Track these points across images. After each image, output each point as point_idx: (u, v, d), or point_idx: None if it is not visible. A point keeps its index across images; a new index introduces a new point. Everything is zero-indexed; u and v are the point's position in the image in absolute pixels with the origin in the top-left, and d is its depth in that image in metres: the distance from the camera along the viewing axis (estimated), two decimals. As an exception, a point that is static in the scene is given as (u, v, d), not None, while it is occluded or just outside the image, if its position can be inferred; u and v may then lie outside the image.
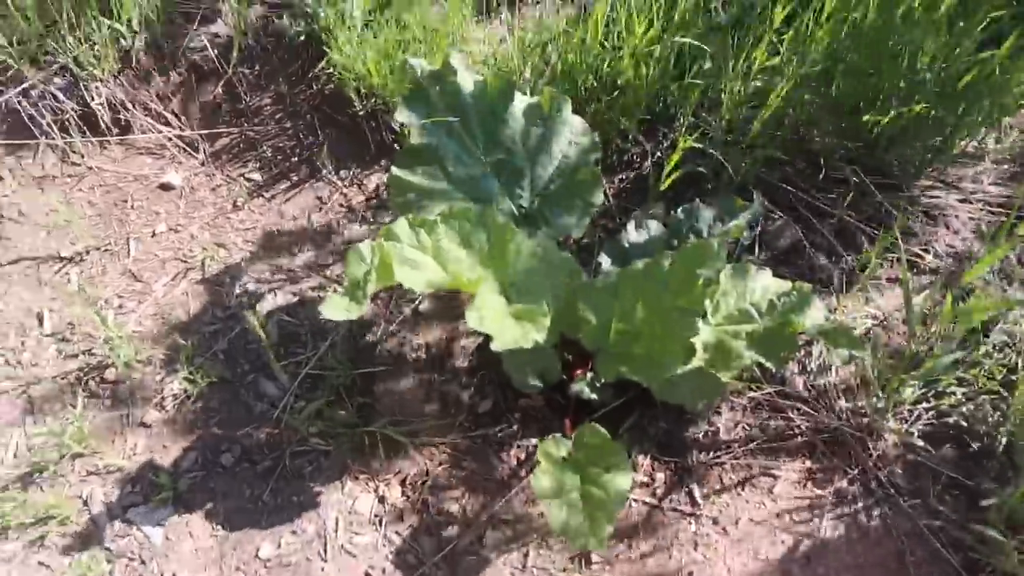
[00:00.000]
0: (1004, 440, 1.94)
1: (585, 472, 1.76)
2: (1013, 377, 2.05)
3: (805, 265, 2.32)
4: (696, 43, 2.21)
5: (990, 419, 2.01)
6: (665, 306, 1.83)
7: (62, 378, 2.18)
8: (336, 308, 1.54)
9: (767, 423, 2.06)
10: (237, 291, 2.36)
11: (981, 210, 2.40)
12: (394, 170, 1.93)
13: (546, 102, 2.01)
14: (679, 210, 2.07)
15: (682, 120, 2.34)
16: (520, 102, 2.01)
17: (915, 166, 2.41)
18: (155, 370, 2.20)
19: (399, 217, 1.71)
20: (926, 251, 2.33)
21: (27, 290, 2.32)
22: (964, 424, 2.03)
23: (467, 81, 2.01)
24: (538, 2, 2.70)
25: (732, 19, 2.21)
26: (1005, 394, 2.03)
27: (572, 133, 2.03)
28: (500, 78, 1.96)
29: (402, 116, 1.94)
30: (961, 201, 2.42)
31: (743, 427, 2.07)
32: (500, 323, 1.67)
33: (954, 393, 2.05)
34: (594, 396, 1.99)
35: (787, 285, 1.99)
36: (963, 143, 2.43)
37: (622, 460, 1.74)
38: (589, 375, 2.02)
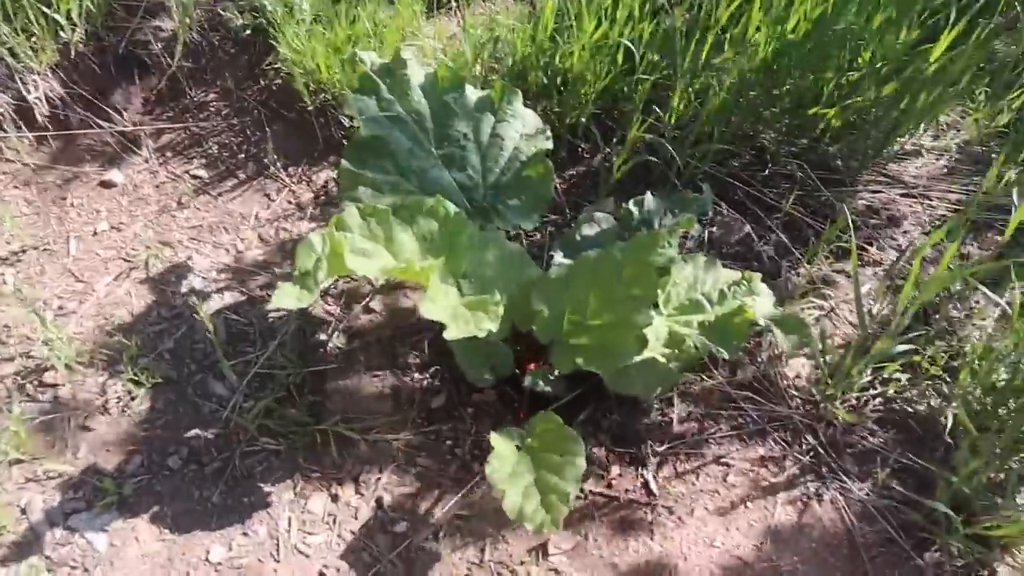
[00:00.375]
0: (948, 423, 1.99)
1: (539, 458, 1.75)
2: (955, 363, 2.11)
3: (753, 258, 2.35)
4: (643, 40, 2.24)
5: (933, 404, 2.06)
6: (618, 296, 1.85)
7: (-1, 382, 2.10)
8: (287, 297, 1.51)
9: (719, 413, 2.09)
10: (183, 290, 2.30)
11: (922, 204, 2.46)
12: (343, 163, 1.91)
13: (497, 95, 2.01)
14: (630, 203, 2.08)
15: (633, 115, 2.36)
16: (471, 95, 2.01)
17: (858, 161, 2.47)
18: (97, 372, 2.13)
19: (350, 207, 1.68)
20: (870, 243, 2.38)
21: (-40, 291, 2.23)
22: (910, 409, 2.07)
23: (417, 74, 2.00)
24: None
25: (677, 21, 2.23)
26: (949, 379, 2.08)
27: (523, 126, 2.03)
28: (451, 71, 1.95)
29: (351, 109, 1.92)
30: (903, 195, 2.48)
31: (696, 417, 2.08)
32: (453, 312, 1.66)
33: (899, 380, 2.10)
34: (548, 389, 1.99)
35: (737, 275, 2.03)
36: (903, 139, 2.50)
37: (576, 445, 1.74)
38: (542, 368, 2.01)
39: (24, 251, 2.32)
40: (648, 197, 2.08)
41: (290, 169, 2.52)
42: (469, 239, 1.82)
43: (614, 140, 2.47)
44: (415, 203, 1.77)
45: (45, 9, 2.36)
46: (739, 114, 2.35)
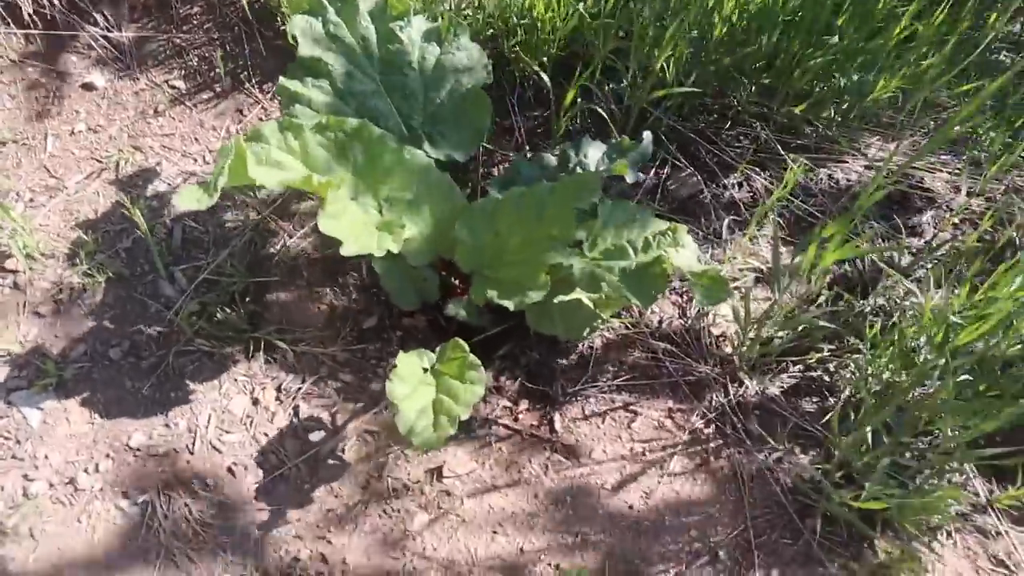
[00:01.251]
0: (853, 394, 2.00)
1: (442, 382, 1.82)
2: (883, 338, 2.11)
3: (703, 214, 2.35)
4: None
5: (852, 376, 2.07)
6: (537, 234, 1.89)
7: (-36, 261, 2.23)
8: (189, 198, 1.58)
9: (637, 362, 2.12)
10: (148, 193, 2.40)
11: (884, 176, 2.42)
12: (282, 80, 1.96)
13: (444, 27, 2.03)
14: (567, 145, 2.10)
15: (596, 60, 2.35)
16: (419, 24, 2.03)
17: (825, 128, 2.43)
18: (57, 263, 2.25)
19: (270, 120, 1.74)
20: (823, 212, 2.36)
21: (-61, 175, 2.36)
22: (826, 380, 2.08)
23: (367, 0, 2.03)
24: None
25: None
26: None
27: (468, 59, 2.05)
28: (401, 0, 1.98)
29: (295, 28, 1.96)
30: (866, 167, 2.45)
31: (613, 363, 2.13)
32: (356, 230, 1.71)
33: (821, 350, 2.10)
34: (469, 319, 2.05)
35: (665, 225, 2.03)
36: (880, 113, 2.45)
37: (477, 374, 1.80)
38: (464, 298, 2.07)
39: (4, 144, 2.44)
40: (585, 140, 2.09)
41: (264, 87, 2.58)
42: (392, 162, 1.87)
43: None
44: (338, 122, 1.81)
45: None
46: (701, 68, 2.33)
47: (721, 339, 2.14)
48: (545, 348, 2.14)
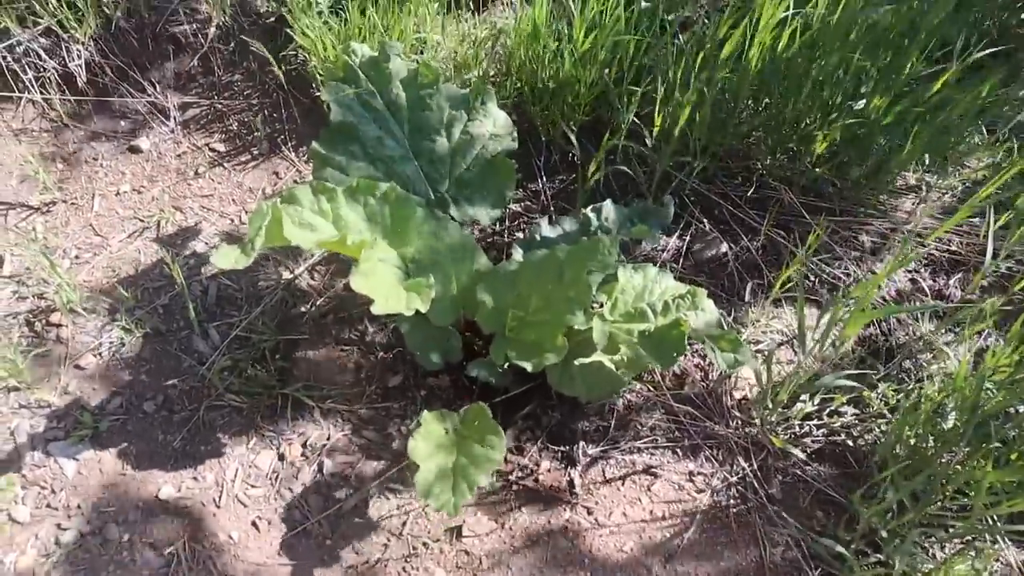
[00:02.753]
0: (879, 460, 1.97)
1: (463, 445, 1.84)
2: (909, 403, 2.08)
3: (725, 277, 2.37)
4: (634, 51, 2.29)
5: (877, 442, 2.05)
6: (557, 296, 1.92)
7: (12, 317, 2.33)
8: (225, 257, 1.65)
9: (659, 424, 2.13)
10: (187, 252, 2.49)
11: (911, 242, 2.42)
12: (315, 145, 2.05)
13: (473, 94, 2.10)
14: (589, 209, 2.14)
15: (622, 124, 2.41)
16: (448, 92, 2.11)
17: (850, 190, 2.45)
18: (97, 318, 2.34)
19: (304, 184, 1.82)
20: (848, 275, 2.36)
21: (-8, 233, 2.48)
22: (851, 444, 2.06)
23: (400, 68, 2.12)
24: (507, 3, 2.79)
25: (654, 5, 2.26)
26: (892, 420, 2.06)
27: (495, 126, 2.12)
28: (431, 68, 2.06)
29: (328, 95, 2.05)
30: (891, 230, 2.45)
31: (635, 425, 2.13)
32: (386, 290, 1.76)
33: (845, 414, 2.09)
34: (491, 379, 2.08)
35: (685, 288, 2.06)
36: (907, 173, 2.46)
37: (497, 439, 1.82)
38: (487, 359, 2.10)
39: (54, 203, 2.56)
40: (607, 204, 2.14)
41: (300, 150, 2.68)
42: (419, 224, 1.93)
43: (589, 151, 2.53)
44: (368, 185, 1.88)
45: (90, -14, 2.60)
46: (724, 131, 2.37)
47: (743, 402, 2.14)
48: (567, 409, 2.15)
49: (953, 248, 2.45)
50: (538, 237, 2.16)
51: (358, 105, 2.07)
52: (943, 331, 2.21)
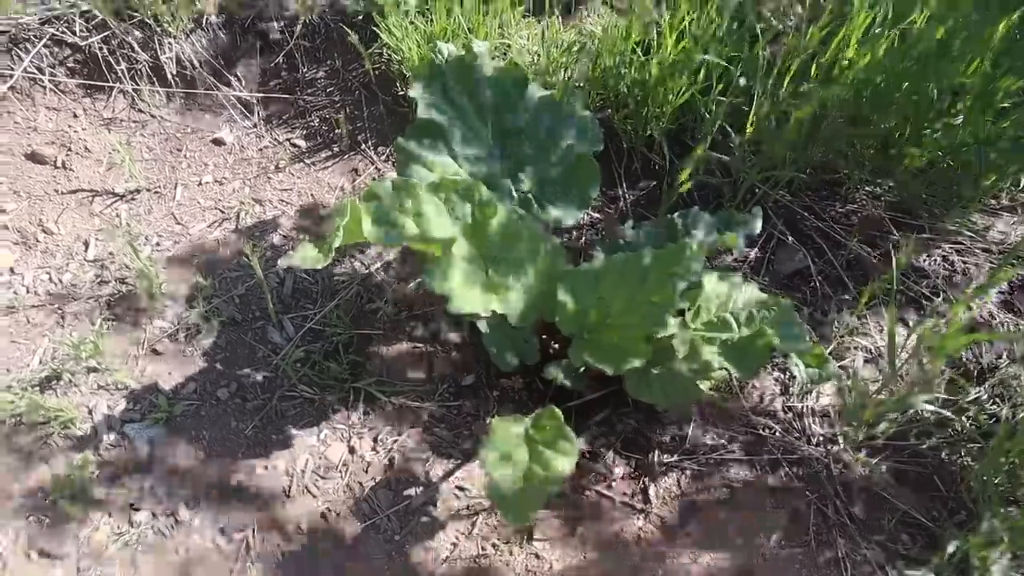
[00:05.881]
0: (973, 488, 1.89)
1: (535, 450, 1.81)
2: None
3: (809, 291, 2.31)
4: (727, 60, 2.25)
5: (966, 466, 1.96)
6: (639, 300, 1.88)
7: (94, 300, 2.37)
8: (303, 257, 1.65)
9: (736, 437, 2.07)
10: (264, 244, 2.52)
11: (1009, 263, 2.33)
12: (399, 141, 2.05)
13: (559, 95, 2.09)
14: (676, 214, 2.11)
15: (708, 134, 2.37)
16: (535, 92, 2.10)
17: (941, 208, 2.37)
18: (176, 304, 2.37)
19: (384, 180, 1.82)
20: (936, 294, 2.28)
21: (80, 218, 2.53)
22: (938, 467, 1.98)
23: (487, 67, 2.11)
24: (588, 6, 2.78)
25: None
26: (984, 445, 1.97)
27: (580, 128, 2.10)
28: (518, 68, 2.05)
29: (415, 91, 2.06)
30: (983, 250, 2.36)
31: (712, 436, 2.08)
32: (464, 289, 1.75)
33: (932, 435, 2.01)
34: (567, 382, 2.05)
35: (769, 299, 2.01)
36: (995, 191, 2.37)
37: (570, 446, 1.78)
38: (564, 361, 2.07)
39: (139, 191, 2.61)
40: (694, 211, 2.10)
41: (379, 149, 2.70)
42: (501, 224, 1.91)
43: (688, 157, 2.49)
44: (451, 182, 1.87)
45: (185, -17, 2.66)
46: (814, 144, 2.32)
47: (824, 418, 2.07)
48: (642, 417, 2.11)
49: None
50: (621, 240, 2.13)
51: (445, 103, 2.07)
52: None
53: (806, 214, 2.42)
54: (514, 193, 2.09)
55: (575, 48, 2.44)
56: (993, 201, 2.45)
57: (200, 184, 2.65)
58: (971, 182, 2.28)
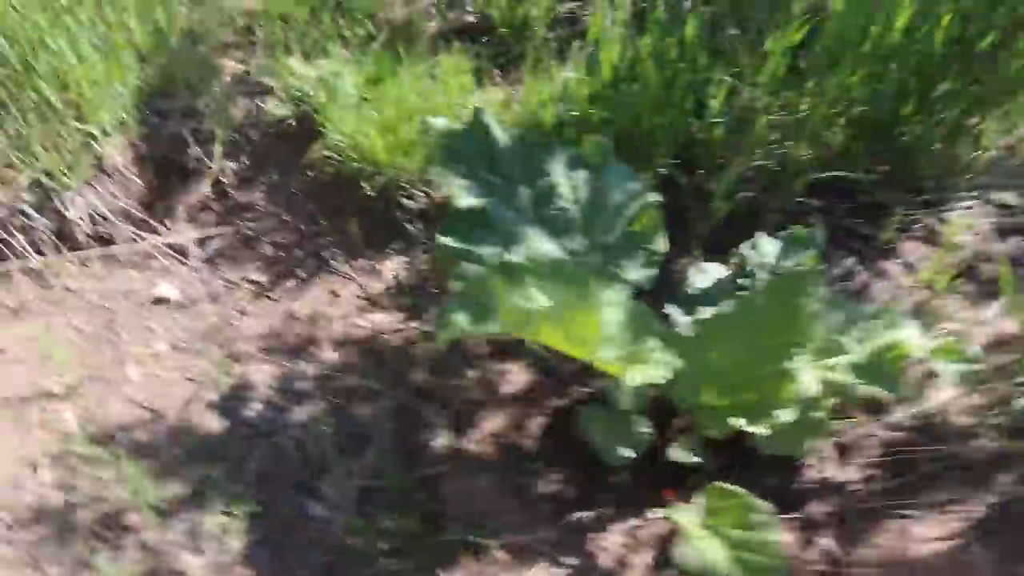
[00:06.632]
0: None
1: (729, 537, 1.56)
2: None
3: (863, 289, 2.22)
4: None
5: None
6: (765, 345, 1.69)
7: (69, 531, 1.86)
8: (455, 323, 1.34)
9: (879, 461, 1.91)
10: (259, 406, 2.10)
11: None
12: (441, 240, 1.76)
13: (589, 150, 1.88)
14: (743, 247, 1.95)
15: (709, 159, 2.25)
16: (562, 153, 1.88)
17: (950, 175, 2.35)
18: (185, 508, 1.90)
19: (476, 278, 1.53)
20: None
21: (16, 436, 2.00)
22: None
23: (501, 135, 1.88)
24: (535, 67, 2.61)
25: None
26: None
27: (621, 180, 1.90)
28: (537, 130, 1.83)
29: (440, 180, 1.79)
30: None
31: (855, 467, 1.91)
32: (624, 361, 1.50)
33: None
34: (696, 459, 1.81)
35: (871, 311, 1.89)
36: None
37: (768, 516, 1.57)
38: (687, 435, 1.84)
39: (80, 383, 2.11)
40: (763, 239, 1.95)
41: (352, 262, 2.35)
42: (594, 298, 1.67)
43: (693, 187, 2.34)
44: (533, 265, 1.62)
45: (78, 124, 2.21)
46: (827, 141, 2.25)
47: (960, 415, 1.95)
48: (779, 472, 1.90)
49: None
50: (689, 290, 1.94)
51: (474, 182, 1.81)
52: None
53: (827, 215, 2.33)
54: (573, 267, 1.84)
55: (558, 100, 2.23)
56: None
57: (155, 356, 2.19)
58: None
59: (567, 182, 1.88)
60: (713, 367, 1.74)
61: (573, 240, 1.84)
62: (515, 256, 1.79)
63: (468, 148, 1.85)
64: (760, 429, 1.67)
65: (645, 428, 1.83)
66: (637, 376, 1.48)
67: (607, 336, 1.61)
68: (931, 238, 2.29)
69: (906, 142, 2.27)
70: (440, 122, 1.90)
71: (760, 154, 2.20)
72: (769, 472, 1.90)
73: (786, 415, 1.66)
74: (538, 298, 1.57)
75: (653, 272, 1.87)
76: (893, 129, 2.25)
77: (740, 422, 1.67)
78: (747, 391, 1.71)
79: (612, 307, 1.67)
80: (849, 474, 1.90)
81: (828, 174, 2.26)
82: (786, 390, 1.65)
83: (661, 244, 1.88)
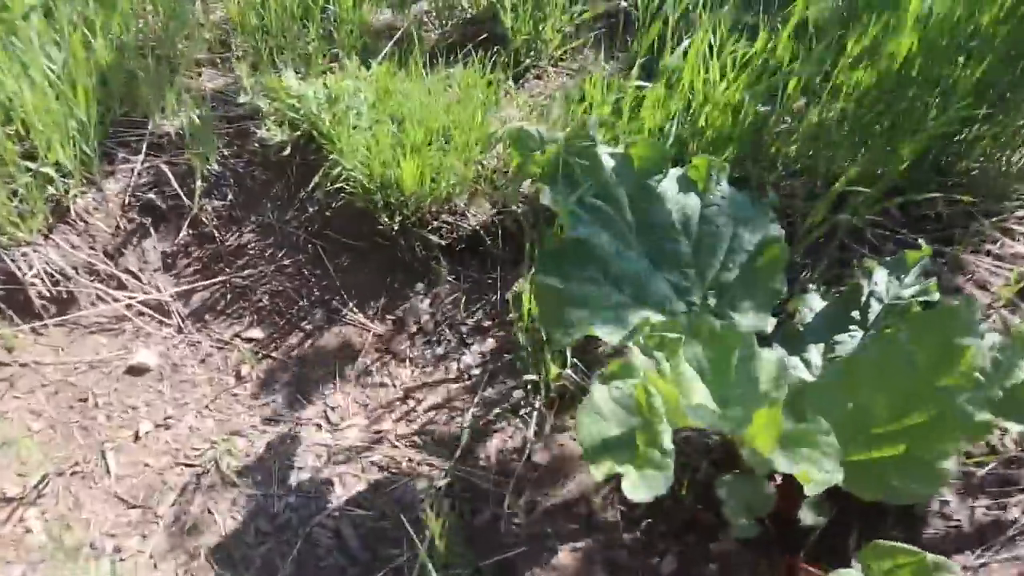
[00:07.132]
0: None
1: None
2: None
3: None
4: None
5: None
6: (919, 390, 1.47)
7: None
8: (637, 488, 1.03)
9: (1005, 497, 1.72)
10: (279, 491, 1.73)
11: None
12: (541, 279, 1.46)
13: (700, 173, 1.62)
14: (858, 276, 1.74)
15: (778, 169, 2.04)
16: (671, 175, 1.62)
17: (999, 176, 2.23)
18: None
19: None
20: None
21: (-25, 558, 1.57)
22: None
23: (604, 154, 1.60)
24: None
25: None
26: None
27: (738, 208, 1.64)
28: (650, 147, 1.55)
29: (549, 202, 1.48)
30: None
31: (982, 511, 1.71)
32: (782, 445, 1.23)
33: None
34: (822, 519, 1.57)
35: (996, 337, 1.70)
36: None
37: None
38: (810, 500, 1.59)
39: (46, 481, 1.69)
40: (878, 267, 1.74)
41: (367, 308, 2.01)
42: (735, 359, 1.41)
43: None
44: (670, 323, 1.34)
45: (29, 164, 1.79)
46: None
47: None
48: (901, 525, 1.68)
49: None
50: (800, 327, 1.70)
51: (583, 210, 1.53)
52: None
53: (884, 232, 2.16)
54: (684, 308, 1.58)
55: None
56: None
57: (138, 438, 1.79)
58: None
59: (676, 209, 1.61)
60: (851, 421, 1.50)
61: (685, 277, 1.57)
62: (622, 296, 1.52)
63: (582, 165, 1.56)
64: (930, 489, 1.44)
65: (770, 494, 1.57)
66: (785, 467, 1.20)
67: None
68: (996, 251, 2.15)
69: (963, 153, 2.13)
70: (539, 131, 1.58)
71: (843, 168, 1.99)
72: (894, 524, 1.68)
73: (946, 465, 1.43)
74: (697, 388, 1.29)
75: (771, 315, 1.62)
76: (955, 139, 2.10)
77: (897, 482, 1.44)
78: (896, 444, 1.48)
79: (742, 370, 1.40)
80: (974, 518, 1.70)
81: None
82: (947, 440, 1.43)
83: (781, 284, 1.63)
